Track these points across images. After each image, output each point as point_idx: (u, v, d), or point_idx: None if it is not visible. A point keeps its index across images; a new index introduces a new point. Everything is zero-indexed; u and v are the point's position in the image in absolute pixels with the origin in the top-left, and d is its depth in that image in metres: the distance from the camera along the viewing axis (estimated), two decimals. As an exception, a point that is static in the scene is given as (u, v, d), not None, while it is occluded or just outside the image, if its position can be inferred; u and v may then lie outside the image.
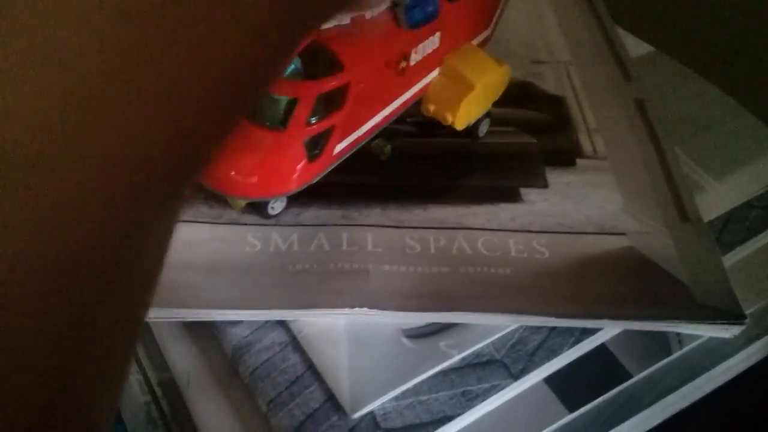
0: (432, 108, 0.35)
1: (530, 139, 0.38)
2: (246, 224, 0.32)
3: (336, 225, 0.33)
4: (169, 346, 0.30)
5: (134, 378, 0.30)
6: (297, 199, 0.33)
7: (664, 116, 0.40)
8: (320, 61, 0.29)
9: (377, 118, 0.33)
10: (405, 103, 0.34)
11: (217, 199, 0.32)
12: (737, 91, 0.43)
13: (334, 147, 0.31)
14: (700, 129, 0.40)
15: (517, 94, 0.40)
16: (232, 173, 0.30)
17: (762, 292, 0.34)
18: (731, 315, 0.30)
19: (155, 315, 0.29)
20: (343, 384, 0.28)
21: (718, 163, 0.38)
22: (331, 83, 0.29)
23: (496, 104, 0.38)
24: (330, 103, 0.30)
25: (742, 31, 0.49)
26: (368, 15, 0.30)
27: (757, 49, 0.49)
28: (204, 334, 0.30)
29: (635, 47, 0.45)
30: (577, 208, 0.35)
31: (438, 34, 0.33)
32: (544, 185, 0.36)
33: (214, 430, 0.28)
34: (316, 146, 0.30)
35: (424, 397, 0.28)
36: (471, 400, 0.28)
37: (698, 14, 0.50)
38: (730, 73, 0.45)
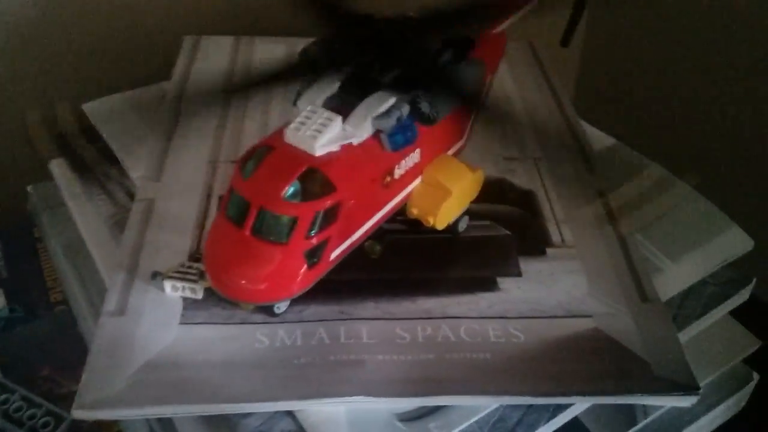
0: (415, 211, 0.40)
1: (505, 232, 0.43)
2: (255, 323, 0.37)
3: (334, 320, 0.37)
4: (191, 437, 0.34)
5: (160, 468, 0.34)
6: (299, 298, 0.37)
7: (625, 204, 0.45)
8: (316, 184, 0.35)
9: (367, 226, 0.38)
10: (391, 210, 0.39)
11: (229, 302, 0.37)
12: (691, 177, 0.48)
13: (330, 254, 0.36)
14: (658, 214, 0.45)
15: (493, 190, 0.45)
16: (243, 282, 0.34)
17: (717, 362, 0.38)
18: (687, 386, 0.34)
19: (177, 411, 0.33)
20: (344, 465, 0.32)
21: (675, 246, 0.43)
22: (325, 203, 0.34)
23: (474, 201, 0.43)
24: (326, 218, 0.35)
25: (695, 120, 0.55)
26: (355, 142, 0.36)
27: (713, 138, 0.54)
28: (220, 425, 0.34)
29: (599, 140, 0.51)
30: (548, 294, 0.39)
31: (418, 150, 0.38)
32: (518, 274, 0.40)
33: None
34: (314, 255, 0.35)
35: (417, 474, 0.32)
36: (458, 474, 0.32)
37: (656, 107, 0.55)
38: (686, 160, 0.50)
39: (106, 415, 0.33)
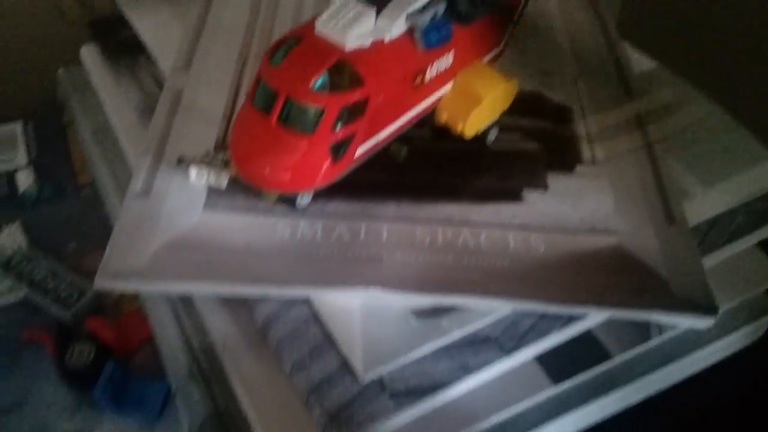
0: (444, 117, 0.39)
1: (534, 146, 0.42)
2: (277, 215, 0.37)
3: (356, 218, 0.37)
4: (209, 316, 0.35)
5: (178, 341, 0.35)
6: (322, 194, 0.37)
7: (661, 127, 0.44)
8: (345, 78, 0.34)
9: (394, 126, 0.37)
10: (420, 113, 0.38)
11: (253, 192, 0.37)
12: (733, 106, 0.46)
13: (355, 150, 0.35)
14: (694, 140, 0.44)
15: (527, 104, 0.44)
16: (267, 170, 0.34)
17: (739, 290, 0.38)
18: (705, 307, 0.34)
19: (196, 289, 0.34)
20: (356, 353, 0.32)
21: (709, 172, 0.42)
22: (353, 96, 0.34)
23: (506, 113, 0.42)
24: (353, 113, 0.34)
25: (741, 48, 0.53)
26: (387, 38, 0.35)
27: (755, 66, 0.52)
28: (239, 306, 0.35)
29: (640, 63, 0.49)
30: (572, 209, 0.39)
31: (451, 53, 0.37)
32: (544, 188, 0.40)
33: (245, 387, 0.32)
34: (339, 149, 0.35)
35: (426, 367, 0.32)
36: (467, 371, 0.32)
37: (700, 32, 0.53)
38: (728, 89, 0.48)
39: (127, 286, 0.34)
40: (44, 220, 0.46)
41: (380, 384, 0.32)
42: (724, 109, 0.46)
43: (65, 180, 0.48)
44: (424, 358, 0.33)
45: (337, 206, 0.38)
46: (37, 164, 0.49)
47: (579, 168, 0.41)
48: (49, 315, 0.41)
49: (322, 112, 0.33)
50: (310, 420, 0.31)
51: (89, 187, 0.48)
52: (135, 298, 0.41)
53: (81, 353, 0.38)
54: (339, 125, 0.34)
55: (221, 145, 0.39)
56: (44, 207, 0.47)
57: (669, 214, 0.39)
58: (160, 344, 0.37)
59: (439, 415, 0.32)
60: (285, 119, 0.34)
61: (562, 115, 0.44)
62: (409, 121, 0.38)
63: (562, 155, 0.42)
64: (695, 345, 0.37)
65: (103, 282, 0.33)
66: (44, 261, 0.42)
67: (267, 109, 0.34)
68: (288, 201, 0.37)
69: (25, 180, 0.48)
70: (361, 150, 0.36)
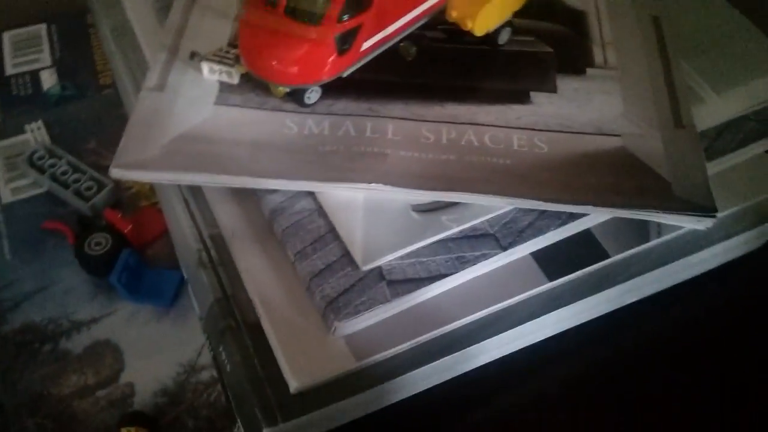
0: (454, 14, 0.39)
1: (546, 48, 0.42)
2: (285, 111, 0.38)
3: (362, 115, 0.38)
4: (218, 207, 0.36)
5: (189, 230, 0.36)
6: (330, 92, 0.38)
7: (678, 32, 0.43)
8: None
9: (402, 21, 0.37)
10: (429, 9, 0.38)
11: (263, 88, 0.38)
12: (755, 11, 0.45)
13: (361, 43, 0.36)
14: (710, 45, 0.43)
15: (543, 8, 0.43)
16: (274, 63, 0.35)
17: (745, 196, 0.38)
18: (704, 208, 0.34)
19: (208, 180, 0.35)
20: (357, 243, 0.33)
21: (722, 78, 0.41)
22: None
23: (520, 16, 0.41)
24: (359, 4, 0.34)
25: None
26: (395, -72, 0.34)
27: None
28: (247, 198, 0.36)
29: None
30: (580, 111, 0.39)
31: (462, -53, 0.37)
32: (553, 90, 0.40)
33: (251, 274, 0.34)
34: (345, 42, 0.35)
35: (424, 259, 0.34)
36: (464, 263, 0.34)
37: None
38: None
39: (140, 176, 0.35)
40: (66, 119, 0.47)
41: (379, 273, 0.33)
42: (742, 12, 0.44)
43: (87, 80, 0.49)
44: (423, 250, 0.34)
45: (344, 104, 0.38)
46: (60, 64, 0.51)
47: (590, 71, 0.41)
48: (69, 207, 0.42)
49: (328, 3, 0.34)
50: (310, 304, 0.33)
51: (110, 87, 0.49)
52: (152, 193, 0.43)
53: (99, 243, 0.40)
54: (345, 16, 0.34)
55: (234, 42, 0.40)
56: (66, 106, 0.48)
57: (677, 119, 0.38)
58: (173, 233, 0.39)
59: (435, 304, 0.33)
60: (292, 11, 0.34)
61: (576, 19, 0.44)
62: (417, 17, 0.38)
63: (573, 58, 0.41)
64: (695, 247, 0.38)
65: (117, 172, 0.35)
66: (65, 157, 0.44)
67: (274, 2, 0.35)
68: (296, 97, 0.37)
69: (48, 79, 0.49)
70: (367, 44, 0.36)
